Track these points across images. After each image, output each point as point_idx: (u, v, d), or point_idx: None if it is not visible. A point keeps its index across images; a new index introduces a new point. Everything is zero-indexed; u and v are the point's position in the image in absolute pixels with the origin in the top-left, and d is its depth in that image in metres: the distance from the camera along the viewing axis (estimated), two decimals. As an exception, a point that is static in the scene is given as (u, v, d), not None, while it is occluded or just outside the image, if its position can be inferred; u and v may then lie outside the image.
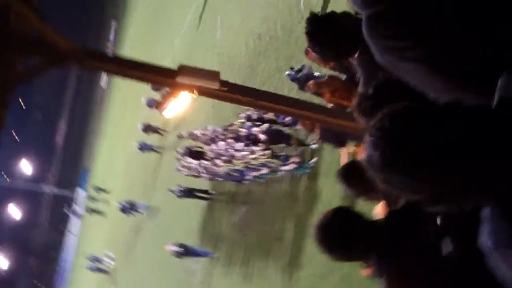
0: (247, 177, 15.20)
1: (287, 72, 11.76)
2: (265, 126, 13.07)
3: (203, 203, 19.48)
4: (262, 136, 12.97)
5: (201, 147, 17.97)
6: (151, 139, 28.42)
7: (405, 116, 1.41)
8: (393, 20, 1.79)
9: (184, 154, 18.80)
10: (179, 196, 19.19)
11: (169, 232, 23.22)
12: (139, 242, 28.61)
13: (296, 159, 12.64)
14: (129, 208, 27.99)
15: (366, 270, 6.00)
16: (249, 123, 13.74)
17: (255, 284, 14.31)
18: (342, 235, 2.59)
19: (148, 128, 28.09)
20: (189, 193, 19.18)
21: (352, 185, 3.63)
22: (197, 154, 18.09)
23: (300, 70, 11.80)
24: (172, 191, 19.36)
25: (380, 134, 1.40)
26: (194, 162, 17.99)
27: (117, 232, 34.90)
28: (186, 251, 17.41)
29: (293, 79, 11.69)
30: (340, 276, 10.44)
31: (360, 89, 3.87)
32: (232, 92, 7.37)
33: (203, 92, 7.20)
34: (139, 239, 28.66)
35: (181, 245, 17.46)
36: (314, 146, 12.01)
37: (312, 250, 11.70)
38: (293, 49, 14.25)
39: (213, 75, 7.14)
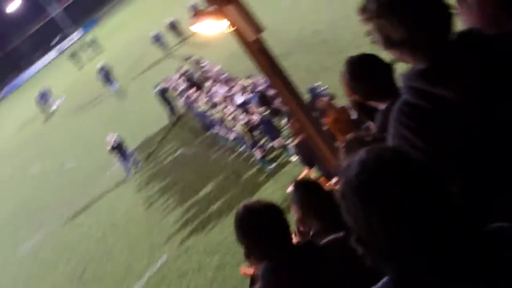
0: (214, 130, 15.27)
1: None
2: (262, 111, 13.01)
3: (165, 120, 19.45)
4: (255, 117, 12.96)
5: (200, 80, 17.96)
6: (168, 38, 28.11)
7: (409, 163, 1.37)
8: (423, 119, 1.77)
9: (182, 74, 18.76)
10: (156, 93, 19.10)
11: (118, 121, 23.15)
12: (89, 109, 28.46)
13: (262, 153, 12.68)
14: (104, 74, 27.74)
15: (243, 269, 6.14)
16: (254, 94, 13.70)
17: (151, 212, 14.46)
18: (260, 223, 2.54)
19: (174, 28, 27.74)
20: (166, 101, 19.10)
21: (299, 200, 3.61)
22: (192, 82, 18.07)
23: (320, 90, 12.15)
24: (157, 86, 19.29)
25: (375, 159, 1.37)
26: (183, 85, 17.99)
27: (79, 87, 34.60)
28: (119, 149, 17.35)
29: (312, 90, 11.85)
30: (218, 260, 10.75)
31: (364, 132, 3.90)
32: (259, 54, 7.36)
33: (237, 33, 7.17)
34: (90, 107, 28.51)
35: (119, 142, 17.46)
36: (291, 153, 12.01)
37: (216, 225, 11.92)
38: (334, 64, 14.26)
39: (257, 28, 7.09)
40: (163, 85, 19.27)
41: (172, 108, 19.23)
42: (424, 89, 1.76)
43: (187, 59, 20.07)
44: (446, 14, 1.78)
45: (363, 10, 1.82)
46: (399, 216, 1.29)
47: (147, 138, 19.60)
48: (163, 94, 19.08)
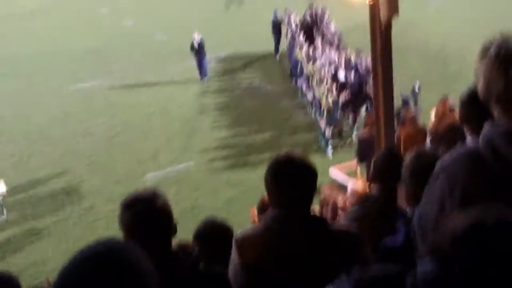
0: (299, 81, 15.17)
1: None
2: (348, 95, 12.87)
3: (264, 47, 19.20)
4: (342, 94, 12.80)
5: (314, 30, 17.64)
6: None
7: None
8: (482, 178, 1.69)
9: (302, 15, 18.43)
10: (272, 20, 18.78)
11: (223, 22, 22.93)
12: None
13: (327, 129, 12.52)
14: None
15: (254, 212, 6.15)
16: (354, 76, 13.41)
17: (202, 119, 14.66)
18: (295, 177, 2.51)
19: None
20: (276, 31, 18.84)
21: None
22: (306, 27, 17.72)
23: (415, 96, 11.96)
24: (275, 12, 18.93)
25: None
26: (296, 26, 17.70)
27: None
28: (199, 51, 17.12)
29: (406, 98, 11.64)
30: (234, 194, 11.04)
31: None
32: (380, 35, 7.16)
33: (373, 6, 6.98)
34: None
35: (201, 44, 17.08)
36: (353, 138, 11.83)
37: (250, 163, 12.06)
38: (442, 81, 13.70)
39: (394, 8, 6.87)
40: (281, 15, 18.90)
41: (277, 41, 18.95)
42: (501, 149, 1.68)
43: (312, 4, 19.58)
44: None
45: (484, 49, 1.71)
46: None
47: (237, 54, 19.49)
48: (277, 23, 18.78)
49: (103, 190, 11.68)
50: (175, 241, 2.69)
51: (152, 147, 13.39)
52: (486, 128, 1.77)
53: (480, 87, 1.72)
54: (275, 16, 18.83)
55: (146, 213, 2.48)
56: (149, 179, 11.87)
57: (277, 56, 18.76)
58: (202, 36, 17.31)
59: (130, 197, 2.54)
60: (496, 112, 1.74)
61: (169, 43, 21.46)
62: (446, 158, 1.88)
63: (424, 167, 2.77)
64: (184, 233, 2.81)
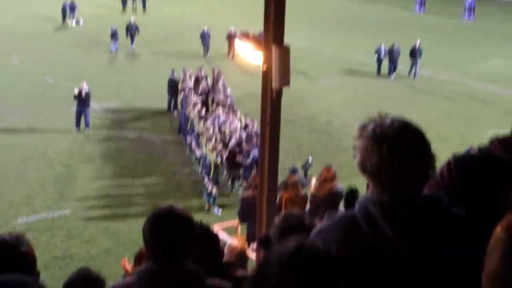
0: (188, 138, 15.27)
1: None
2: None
3: (156, 103, 19.27)
4: (230, 156, 13.12)
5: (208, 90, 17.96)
6: (217, 42, 27.40)
7: None
8: (353, 242, 1.83)
9: (197, 76, 18.74)
10: (168, 79, 18.91)
11: (114, 74, 22.86)
12: (97, 47, 27.80)
13: (213, 188, 12.60)
14: (130, 29, 27.78)
15: (125, 262, 6.00)
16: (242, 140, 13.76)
17: (83, 167, 14.22)
18: (175, 231, 2.47)
19: (230, 39, 26.49)
20: (171, 89, 18.88)
21: None
22: (199, 87, 18.02)
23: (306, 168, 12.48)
24: (172, 72, 19.05)
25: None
26: (190, 85, 17.96)
27: (105, 24, 33.94)
28: (83, 100, 16.52)
29: (295, 168, 12.11)
30: (110, 245, 10.67)
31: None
32: (270, 103, 7.44)
33: (265, 73, 7.26)
34: (100, 46, 27.86)
35: (87, 94, 16.60)
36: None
37: (129, 215, 11.81)
38: (325, 153, 14.37)
39: (285, 80, 7.18)
40: (177, 75, 19.04)
41: (172, 98, 19.02)
42: (374, 216, 1.81)
43: (209, 67, 19.97)
44: (424, 172, 1.82)
45: (362, 127, 1.85)
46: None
47: (127, 106, 19.27)
48: (173, 81, 18.87)
49: (-34, 232, 10.83)
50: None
51: (26, 191, 12.70)
52: (363, 197, 1.92)
53: (358, 161, 1.84)
54: (172, 74, 18.98)
55: (7, 259, 2.38)
56: (19, 224, 11.18)
57: (173, 113, 18.81)
58: (89, 87, 16.88)
59: None
60: (370, 184, 1.87)
61: (56, 88, 20.86)
62: (322, 223, 1.97)
63: (290, 227, 2.90)
64: (52, 281, 2.69)
